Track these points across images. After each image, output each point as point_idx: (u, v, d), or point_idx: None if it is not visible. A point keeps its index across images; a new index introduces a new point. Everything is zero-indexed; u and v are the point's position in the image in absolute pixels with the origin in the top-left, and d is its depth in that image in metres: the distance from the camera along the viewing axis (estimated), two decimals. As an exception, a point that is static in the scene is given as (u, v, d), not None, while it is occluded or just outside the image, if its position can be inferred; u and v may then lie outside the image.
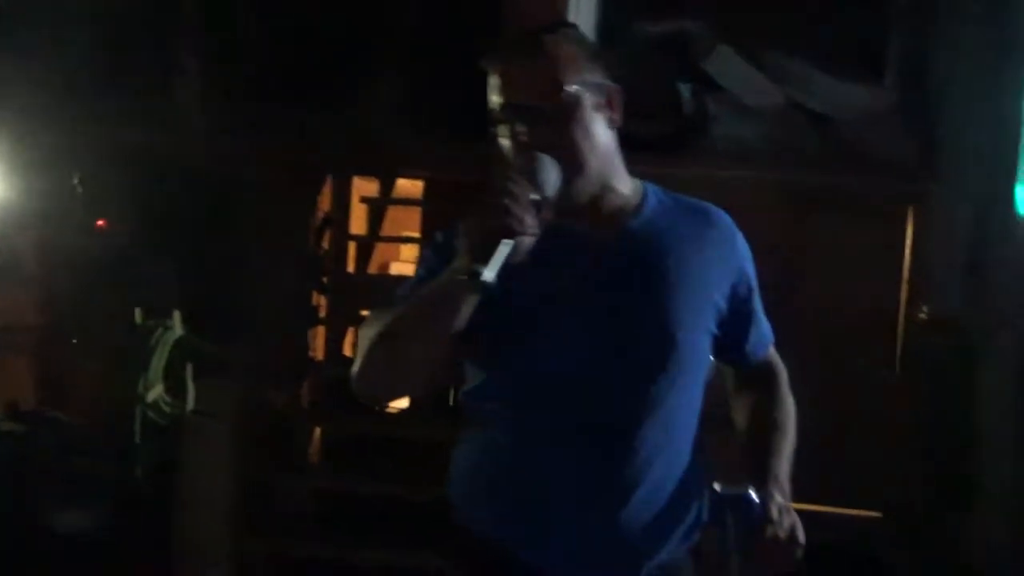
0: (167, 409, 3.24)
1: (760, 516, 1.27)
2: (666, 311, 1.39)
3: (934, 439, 4.23)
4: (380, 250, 6.16)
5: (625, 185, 1.47)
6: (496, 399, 1.42)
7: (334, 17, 4.66)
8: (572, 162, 1.35)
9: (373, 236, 5.14)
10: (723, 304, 1.46)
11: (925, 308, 4.52)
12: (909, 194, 4.72)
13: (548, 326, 1.37)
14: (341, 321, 4.75)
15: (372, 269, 5.43)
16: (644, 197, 1.48)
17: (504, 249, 1.19)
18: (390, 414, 4.90)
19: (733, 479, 1.33)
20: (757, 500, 1.28)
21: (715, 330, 1.45)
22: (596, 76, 1.40)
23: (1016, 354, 3.75)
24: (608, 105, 1.42)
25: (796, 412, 1.56)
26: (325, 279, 4.69)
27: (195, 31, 4.64)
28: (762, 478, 1.38)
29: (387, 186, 5.19)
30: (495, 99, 1.38)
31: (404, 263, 7.33)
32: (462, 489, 1.49)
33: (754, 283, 1.53)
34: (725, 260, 1.48)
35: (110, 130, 4.41)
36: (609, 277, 1.40)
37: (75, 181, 4.28)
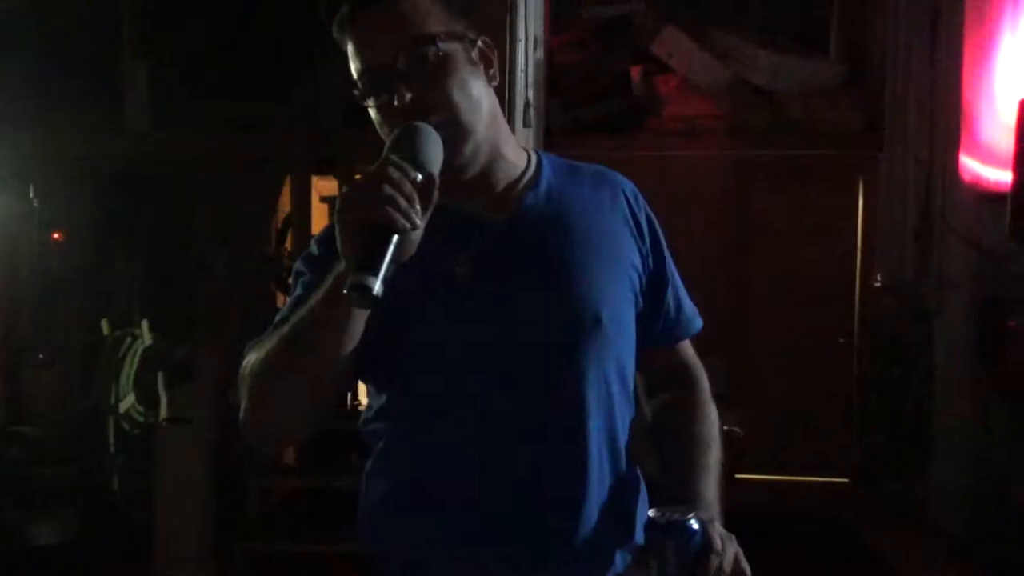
0: (140, 418, 3.25)
1: (701, 545, 1.11)
2: (584, 290, 1.20)
3: (892, 402, 4.35)
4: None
5: (516, 153, 1.26)
6: (401, 419, 1.22)
7: (280, 12, 4.65)
8: (455, 127, 1.13)
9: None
10: (641, 274, 1.28)
11: (878, 274, 4.64)
12: (857, 164, 4.84)
13: (448, 328, 1.17)
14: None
15: (335, 267, 5.43)
16: (539, 166, 1.27)
17: (390, 248, 0.98)
18: (360, 411, 4.93)
19: (664, 502, 1.17)
20: (698, 528, 1.12)
21: (638, 302, 1.28)
22: (463, 27, 1.18)
23: (965, 315, 3.86)
24: (483, 60, 1.20)
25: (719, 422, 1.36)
26: (289, 280, 4.69)
27: (139, 36, 4.61)
28: (692, 502, 1.19)
29: (346, 184, 5.19)
30: (354, 67, 1.17)
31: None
32: (385, 533, 1.25)
33: (667, 251, 1.33)
34: (635, 226, 1.29)
35: (62, 142, 4.38)
36: (513, 261, 1.20)
37: (31, 195, 4.25)
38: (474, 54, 1.19)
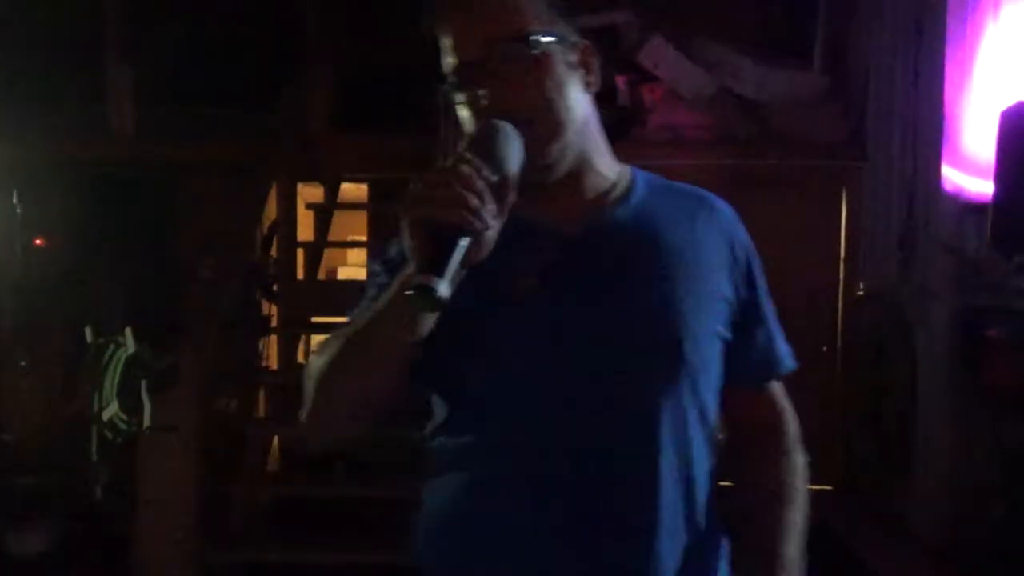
0: (123, 427, 3.23)
1: None
2: (665, 313, 1.12)
3: (874, 411, 4.38)
4: (328, 255, 6.17)
5: (608, 166, 1.20)
6: (461, 436, 1.15)
7: (265, 18, 4.65)
8: (543, 126, 1.08)
9: (320, 242, 5.15)
10: (732, 306, 1.20)
11: (861, 283, 4.67)
12: (840, 174, 4.87)
13: (509, 343, 1.10)
14: (292, 329, 4.75)
15: (321, 275, 5.45)
16: (632, 181, 1.20)
17: (460, 250, 0.93)
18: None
19: (745, 562, 1.13)
20: None
21: (727, 335, 1.19)
22: (562, 28, 1.13)
23: (947, 326, 3.89)
24: (582, 64, 1.15)
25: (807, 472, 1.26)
26: (275, 287, 4.69)
27: (123, 40, 4.60)
28: (772, 565, 1.15)
29: (332, 191, 5.20)
30: (447, 61, 1.11)
31: (352, 267, 7.40)
32: (440, 550, 1.18)
33: (762, 283, 1.27)
34: (730, 254, 1.22)
35: (45, 146, 4.37)
36: (584, 276, 1.12)
37: (14, 200, 4.23)
38: (572, 57, 1.13)
